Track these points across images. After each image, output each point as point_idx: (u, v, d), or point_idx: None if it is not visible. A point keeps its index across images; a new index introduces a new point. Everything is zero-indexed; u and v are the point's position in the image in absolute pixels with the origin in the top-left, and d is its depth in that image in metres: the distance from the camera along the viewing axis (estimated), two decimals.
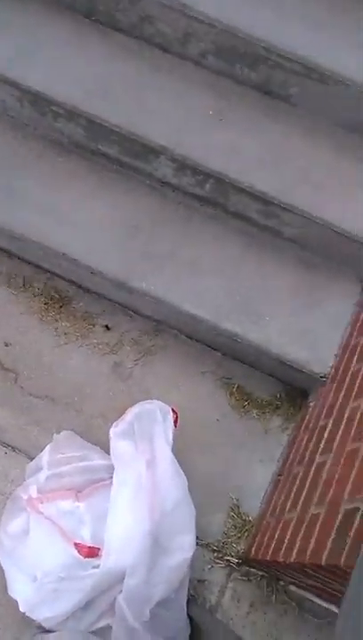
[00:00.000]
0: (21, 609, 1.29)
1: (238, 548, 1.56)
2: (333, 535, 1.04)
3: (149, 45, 1.87)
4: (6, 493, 1.56)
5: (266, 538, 1.41)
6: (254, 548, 1.47)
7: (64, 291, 1.87)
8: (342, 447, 1.23)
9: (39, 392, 1.72)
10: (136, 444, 1.42)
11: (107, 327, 1.84)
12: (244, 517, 1.61)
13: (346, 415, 1.33)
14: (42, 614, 1.26)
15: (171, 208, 1.88)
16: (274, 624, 1.51)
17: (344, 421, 1.32)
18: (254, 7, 1.80)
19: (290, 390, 1.83)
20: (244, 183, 1.75)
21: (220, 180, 1.77)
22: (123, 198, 1.85)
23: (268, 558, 1.34)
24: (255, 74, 1.86)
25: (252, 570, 1.55)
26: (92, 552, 1.27)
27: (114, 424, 1.49)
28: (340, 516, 1.04)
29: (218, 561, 1.55)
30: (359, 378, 1.38)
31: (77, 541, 1.28)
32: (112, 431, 1.46)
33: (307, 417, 1.68)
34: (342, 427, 1.31)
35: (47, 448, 1.50)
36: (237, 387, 1.81)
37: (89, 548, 1.27)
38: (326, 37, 1.80)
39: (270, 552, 1.34)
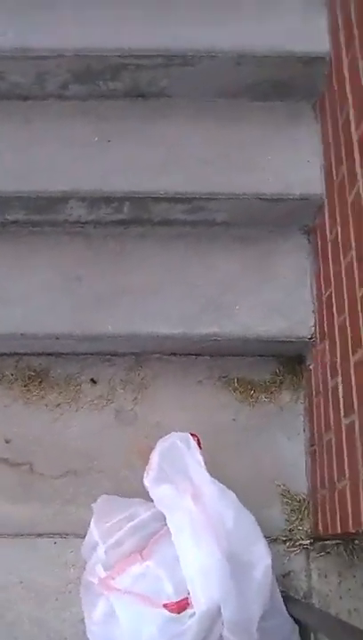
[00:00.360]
0: None
1: (306, 529, 1.59)
2: None
3: (10, 101, 1.82)
4: (72, 580, 1.56)
5: (328, 512, 1.43)
6: (320, 526, 1.49)
7: (37, 365, 1.83)
8: None
9: (58, 471, 1.70)
10: (174, 483, 1.41)
11: (93, 381, 1.82)
12: (298, 498, 1.64)
13: (352, 371, 1.34)
14: None
15: (99, 244, 1.85)
16: None
17: (353, 377, 1.33)
18: (91, 23, 1.76)
19: (286, 362, 1.85)
20: (158, 191, 1.73)
21: (134, 199, 1.75)
22: (50, 256, 1.81)
23: (338, 531, 1.36)
24: (121, 83, 1.83)
25: (326, 542, 1.58)
26: (182, 605, 1.26)
27: (145, 473, 1.47)
28: None
29: (292, 549, 1.57)
30: (348, 330, 1.39)
31: (165, 602, 1.27)
32: (146, 481, 1.45)
33: (313, 381, 1.70)
34: (354, 382, 1.32)
35: (92, 522, 1.48)
36: (237, 380, 1.82)
37: (177, 603, 1.27)
38: (172, 22, 1.78)
39: (338, 525, 1.36)
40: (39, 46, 1.69)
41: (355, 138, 1.46)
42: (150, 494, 1.44)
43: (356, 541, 1.56)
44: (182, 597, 1.28)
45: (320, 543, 1.58)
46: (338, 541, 1.56)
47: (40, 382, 1.81)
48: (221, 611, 1.23)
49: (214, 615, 1.23)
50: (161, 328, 1.71)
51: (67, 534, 1.62)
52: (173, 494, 1.40)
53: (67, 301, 1.73)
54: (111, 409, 1.78)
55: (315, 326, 1.71)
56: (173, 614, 1.25)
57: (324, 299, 1.64)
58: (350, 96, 1.52)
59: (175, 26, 1.76)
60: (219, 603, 1.23)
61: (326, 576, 1.55)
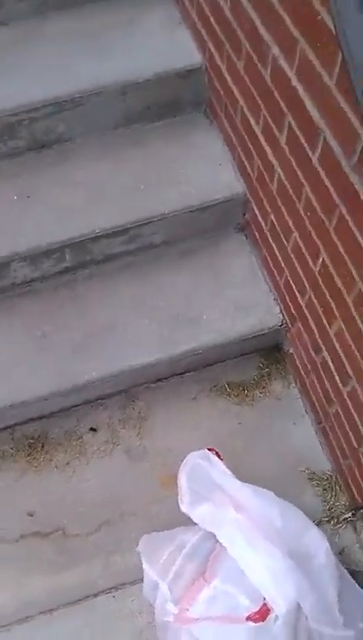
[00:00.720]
0: None
1: (343, 502, 1.63)
2: None
3: None
4: (143, 627, 1.53)
5: (359, 479, 1.48)
6: (356, 495, 1.53)
7: (33, 432, 1.80)
8: (359, 368, 1.30)
9: (91, 527, 1.66)
10: (210, 500, 1.42)
11: (93, 429, 1.80)
12: (325, 476, 1.68)
13: (335, 342, 1.40)
14: None
15: (52, 296, 1.84)
16: None
17: (339, 347, 1.39)
18: None
19: (267, 354, 1.90)
20: (94, 231, 1.75)
21: (73, 244, 1.76)
22: (9, 321, 1.80)
23: None
24: (21, 140, 1.85)
25: None
26: (264, 612, 1.26)
27: (179, 501, 1.47)
28: None
29: (338, 526, 1.61)
30: (317, 306, 1.45)
31: (247, 615, 1.27)
32: (183, 508, 1.44)
33: (298, 362, 1.76)
34: (342, 352, 1.38)
35: (144, 565, 1.45)
36: (228, 385, 1.85)
37: (259, 612, 1.27)
38: (54, 69, 1.82)
39: None
40: None
41: (258, 131, 1.54)
42: (192, 518, 1.43)
43: None
44: (260, 605, 1.29)
45: (361, 512, 1.62)
46: None
47: (42, 446, 1.77)
48: (301, 606, 1.25)
49: (296, 612, 1.24)
50: (142, 358, 1.72)
51: (123, 584, 1.58)
52: (214, 511, 1.40)
53: (43, 360, 1.72)
54: (120, 450, 1.76)
55: (282, 313, 1.77)
56: (258, 624, 1.25)
57: (282, 285, 1.70)
58: (239, 95, 1.61)
59: (60, 72, 1.80)
60: (296, 599, 1.24)
61: None
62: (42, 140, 1.88)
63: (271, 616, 1.25)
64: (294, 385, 1.84)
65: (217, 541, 1.41)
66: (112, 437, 1.79)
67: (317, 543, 1.34)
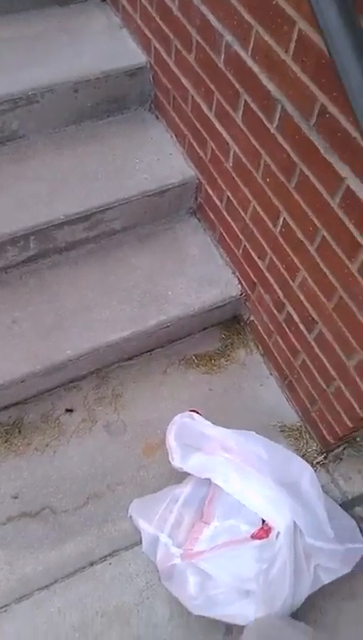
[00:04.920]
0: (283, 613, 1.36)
1: (314, 448, 1.78)
2: None
3: None
4: (143, 588, 1.57)
5: (329, 419, 1.64)
6: (327, 436, 1.69)
7: (7, 419, 1.82)
8: (324, 311, 1.47)
9: (79, 501, 1.70)
10: (201, 449, 1.52)
11: (69, 410, 1.84)
12: (295, 427, 1.83)
13: (299, 293, 1.56)
14: (281, 604, 1.35)
15: (18, 285, 1.88)
16: None
17: (303, 297, 1.55)
18: None
19: (227, 326, 2.05)
20: (58, 218, 1.82)
21: (36, 232, 1.82)
22: None
23: (341, 435, 1.58)
24: None
25: (336, 451, 1.78)
26: (267, 530, 1.37)
27: (170, 459, 1.55)
28: None
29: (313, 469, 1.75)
30: (279, 265, 1.61)
31: (251, 534, 1.37)
32: (175, 464, 1.53)
33: (260, 328, 1.91)
34: (306, 301, 1.54)
35: (140, 524, 1.53)
36: (195, 357, 1.97)
37: (261, 529, 1.38)
38: (8, 69, 1.90)
39: (339, 430, 1.58)
40: None
41: (211, 115, 1.70)
42: (186, 470, 1.52)
43: (357, 438, 1.79)
44: (261, 525, 1.39)
45: (332, 454, 1.78)
46: (344, 445, 1.78)
47: (19, 432, 1.79)
48: (297, 523, 1.37)
49: (294, 529, 1.36)
50: (115, 334, 1.79)
51: (117, 551, 1.62)
52: (205, 458, 1.50)
53: (16, 344, 1.74)
54: (99, 427, 1.82)
55: (241, 283, 1.92)
56: (262, 540, 1.35)
57: (240, 256, 1.86)
58: (189, 86, 1.77)
59: (13, 72, 1.88)
60: (292, 518, 1.36)
61: (350, 477, 1.76)
62: None
63: (273, 533, 1.36)
64: (256, 351, 1.99)
65: (210, 486, 1.51)
66: (89, 416, 1.85)
67: (301, 470, 1.47)
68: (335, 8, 0.90)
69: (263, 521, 1.40)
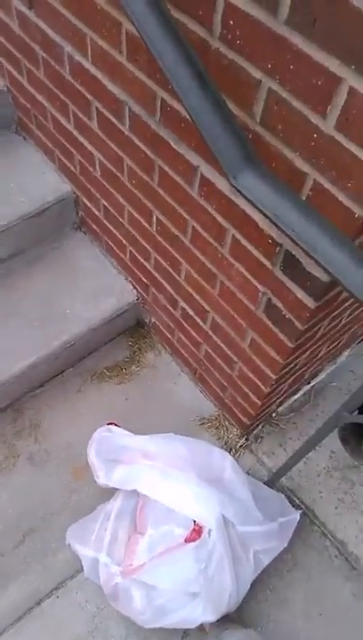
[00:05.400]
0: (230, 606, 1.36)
1: (235, 433, 1.80)
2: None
3: None
4: (95, 613, 1.54)
5: (241, 401, 1.66)
6: (243, 418, 1.72)
7: None
8: (211, 298, 1.49)
9: (16, 540, 1.64)
10: (122, 462, 1.50)
11: None
12: (213, 417, 1.85)
13: (187, 286, 1.58)
14: (227, 598, 1.35)
15: None
16: (301, 434, 1.83)
17: (191, 289, 1.57)
18: None
19: (131, 333, 2.05)
20: None
21: None
22: None
23: (255, 415, 1.62)
24: None
25: (255, 431, 1.81)
26: (198, 530, 1.37)
27: (95, 478, 1.52)
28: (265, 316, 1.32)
29: (237, 454, 1.78)
30: (164, 263, 1.63)
31: (186, 537, 1.36)
32: (101, 481, 1.50)
33: (162, 328, 1.92)
34: (195, 292, 1.57)
35: (78, 549, 1.48)
36: (106, 369, 1.95)
37: (192, 531, 1.37)
38: None
39: (252, 410, 1.61)
40: None
41: (71, 127, 1.70)
42: (112, 485, 1.49)
43: (272, 414, 1.83)
44: (192, 527, 1.39)
45: (252, 435, 1.81)
46: (261, 424, 1.82)
47: None
48: (225, 515, 1.38)
49: (223, 521, 1.37)
50: (20, 363, 1.74)
51: (62, 582, 1.58)
52: (127, 469, 1.48)
53: None
54: (23, 461, 1.76)
55: (135, 288, 1.93)
56: (196, 541, 1.35)
57: (128, 261, 1.86)
58: (45, 102, 1.76)
59: None
60: (220, 512, 1.37)
61: (273, 453, 1.79)
62: None
63: (205, 532, 1.37)
64: (163, 351, 2.00)
65: (138, 497, 1.49)
66: (10, 452, 1.79)
67: (221, 460, 1.49)
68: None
69: (194, 521, 1.40)
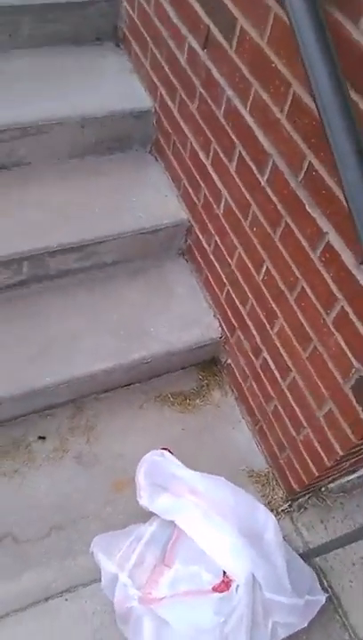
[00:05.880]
0: None
1: (280, 496, 1.78)
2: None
3: None
4: (98, 628, 1.53)
5: (296, 466, 1.64)
6: (293, 484, 1.69)
7: None
8: (299, 359, 1.50)
9: (43, 531, 1.67)
10: (168, 490, 1.52)
11: (41, 438, 1.83)
12: (263, 473, 1.83)
13: (276, 340, 1.60)
14: None
15: (7, 307, 1.89)
16: (346, 517, 1.79)
17: (279, 344, 1.59)
18: None
19: (204, 367, 2.07)
20: (52, 246, 1.85)
21: (31, 257, 1.85)
22: None
23: (307, 484, 1.59)
24: None
25: (300, 500, 1.79)
26: (227, 582, 1.36)
27: (138, 497, 1.55)
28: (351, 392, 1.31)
29: (277, 517, 1.73)
30: (259, 311, 1.65)
31: (212, 587, 1.35)
32: (143, 502, 1.53)
33: (236, 371, 1.94)
34: (282, 348, 1.58)
35: (101, 561, 1.50)
36: (171, 395, 1.98)
37: (223, 582, 1.36)
38: (20, 99, 1.97)
39: (305, 478, 1.59)
40: None
41: (207, 163, 1.77)
42: (152, 510, 1.51)
43: (322, 489, 1.79)
44: (222, 577, 1.38)
45: (297, 503, 1.78)
46: (309, 494, 1.78)
47: None
48: (255, 576, 1.36)
49: (252, 581, 1.35)
50: (95, 365, 1.81)
51: (75, 587, 1.59)
52: (172, 499, 1.50)
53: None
54: (70, 457, 1.81)
55: (221, 326, 1.96)
56: (223, 593, 1.34)
57: (222, 300, 1.90)
58: (189, 133, 1.84)
59: (26, 102, 1.96)
60: (252, 570, 1.35)
61: (313, 527, 1.75)
62: (2, 161, 1.99)
63: (233, 586, 1.35)
64: (231, 394, 2.01)
65: (174, 529, 1.50)
66: (61, 445, 1.84)
67: (265, 519, 1.47)
68: (327, 75, 0.97)
69: (224, 572, 1.39)
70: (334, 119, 0.97)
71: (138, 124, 2.11)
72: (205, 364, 2.08)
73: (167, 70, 1.90)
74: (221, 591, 1.35)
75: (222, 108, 1.59)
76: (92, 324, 1.89)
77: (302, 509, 1.78)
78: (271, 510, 1.75)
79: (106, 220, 1.95)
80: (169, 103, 1.94)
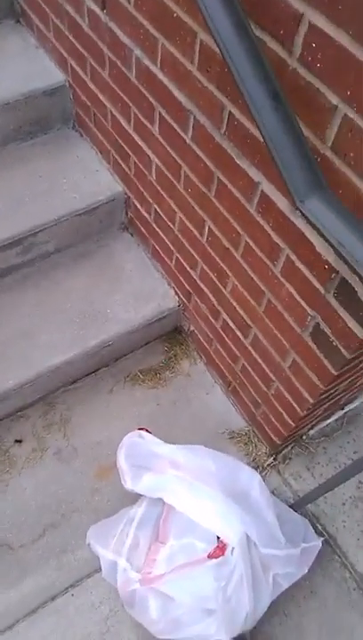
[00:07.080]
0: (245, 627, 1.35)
1: (264, 451, 1.78)
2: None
3: None
4: (108, 615, 1.54)
5: (273, 420, 1.64)
6: (273, 437, 1.69)
7: None
8: (256, 315, 1.48)
9: (36, 533, 1.65)
10: (151, 469, 1.50)
11: (18, 441, 1.79)
12: (243, 432, 1.83)
13: (231, 299, 1.57)
14: (243, 619, 1.33)
15: None
16: (330, 460, 1.80)
17: (235, 303, 1.56)
18: None
19: (168, 338, 2.04)
20: None
21: None
22: None
23: (286, 435, 1.60)
24: None
25: (284, 452, 1.79)
26: (222, 547, 1.36)
27: (122, 482, 1.53)
28: (310, 340, 1.30)
29: (264, 472, 1.76)
30: (211, 275, 1.62)
31: (207, 554, 1.35)
32: (128, 486, 1.51)
33: (200, 336, 1.91)
34: (238, 307, 1.55)
35: (98, 550, 1.49)
36: (140, 372, 1.95)
37: (217, 547, 1.36)
38: None
39: (283, 430, 1.59)
40: None
41: (130, 130, 1.70)
42: (137, 491, 1.49)
43: (303, 437, 1.80)
44: (216, 543, 1.38)
45: (281, 455, 1.78)
46: (291, 445, 1.79)
47: None
48: (249, 535, 1.36)
49: (246, 541, 1.35)
50: (56, 358, 1.76)
51: (78, 580, 1.58)
52: (155, 477, 1.48)
53: None
54: (50, 455, 1.77)
55: (177, 294, 1.92)
56: (220, 558, 1.34)
57: (173, 267, 1.86)
58: (107, 102, 1.76)
59: None
60: (244, 530, 1.36)
61: (300, 476, 1.77)
62: None
63: (228, 550, 1.35)
64: (199, 360, 1.99)
65: (163, 505, 1.49)
66: (39, 444, 1.80)
67: (250, 477, 1.47)
68: (226, 15, 0.91)
69: (218, 537, 1.39)
70: (240, 63, 0.91)
71: (54, 102, 2.01)
72: (170, 335, 2.05)
73: (72, 39, 1.80)
74: (218, 556, 1.35)
75: (134, 69, 1.51)
76: (45, 317, 1.83)
77: (287, 460, 1.79)
78: (257, 467, 1.77)
79: (38, 207, 1.88)
80: (81, 74, 1.85)
